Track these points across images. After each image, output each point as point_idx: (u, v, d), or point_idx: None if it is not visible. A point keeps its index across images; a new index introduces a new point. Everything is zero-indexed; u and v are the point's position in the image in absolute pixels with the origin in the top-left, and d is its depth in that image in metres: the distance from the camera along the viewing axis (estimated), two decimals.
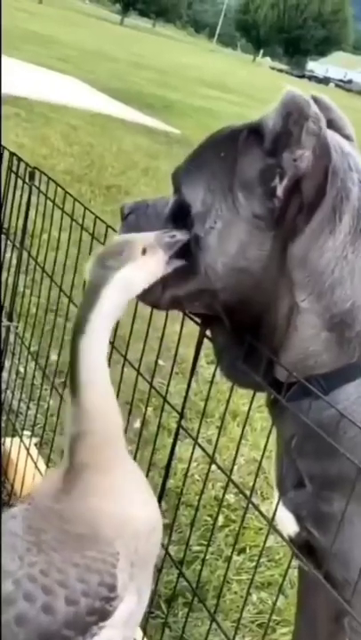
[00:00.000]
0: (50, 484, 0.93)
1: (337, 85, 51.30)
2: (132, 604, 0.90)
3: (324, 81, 52.66)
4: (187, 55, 29.66)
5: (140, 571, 0.91)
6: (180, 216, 0.96)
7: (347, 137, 1.00)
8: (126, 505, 0.90)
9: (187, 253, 0.94)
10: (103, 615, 0.87)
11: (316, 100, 1.01)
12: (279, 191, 0.88)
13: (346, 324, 0.92)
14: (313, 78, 53.08)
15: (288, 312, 0.92)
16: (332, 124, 0.98)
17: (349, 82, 56.58)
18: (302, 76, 51.44)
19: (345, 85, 52.31)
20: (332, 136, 0.91)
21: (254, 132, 0.90)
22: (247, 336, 0.97)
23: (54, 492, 0.91)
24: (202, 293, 0.96)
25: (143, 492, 0.94)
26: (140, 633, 1.44)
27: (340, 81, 56.21)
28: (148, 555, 0.93)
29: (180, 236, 0.92)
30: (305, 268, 0.90)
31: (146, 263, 0.89)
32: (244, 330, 0.97)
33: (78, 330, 0.87)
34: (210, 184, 0.93)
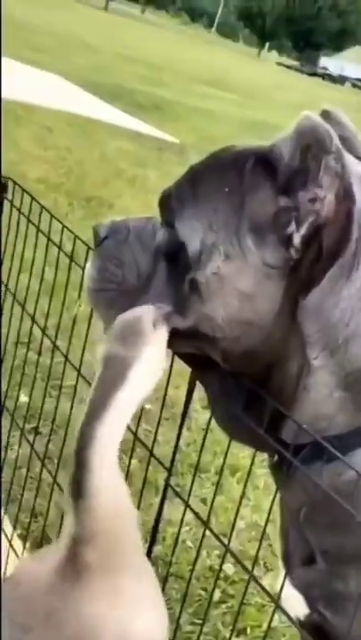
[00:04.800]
0: (40, 574, 0.93)
1: (354, 85, 52.08)
2: None
3: (340, 80, 53.50)
4: (181, 47, 30.12)
5: None
6: (174, 254, 0.96)
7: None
8: (134, 616, 0.90)
9: (178, 293, 0.95)
10: None
11: (328, 115, 1.03)
12: (296, 240, 0.89)
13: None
14: (326, 77, 53.92)
15: (298, 371, 0.93)
16: (346, 144, 1.00)
17: None
18: (314, 74, 52.29)
19: None
20: (351, 163, 0.91)
21: (263, 161, 0.91)
22: (247, 381, 0.97)
23: (48, 585, 0.91)
24: (196, 336, 0.96)
25: (153, 599, 0.94)
26: None
27: (358, 80, 57.06)
28: None
29: (167, 308, 0.95)
30: (318, 320, 0.90)
31: (159, 340, 0.92)
32: (244, 376, 0.98)
33: (93, 415, 0.89)
34: (211, 222, 0.93)
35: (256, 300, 0.91)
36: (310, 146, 0.86)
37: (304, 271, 0.90)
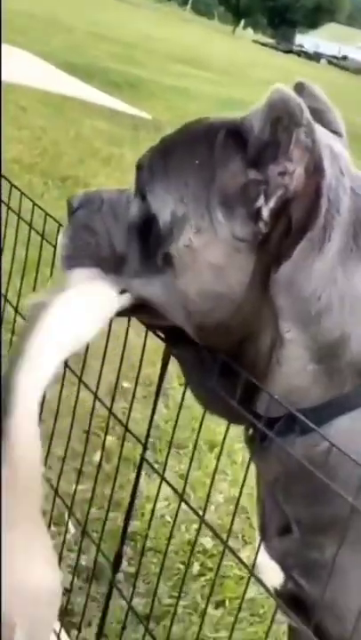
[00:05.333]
0: None
1: (330, 62, 51.98)
2: None
3: (315, 57, 53.30)
4: (155, 26, 29.84)
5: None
6: (146, 225, 0.96)
7: (335, 132, 1.01)
8: (23, 566, 0.89)
9: (151, 264, 0.94)
10: None
11: (302, 87, 1.02)
12: (265, 214, 0.89)
13: (335, 355, 0.93)
14: (302, 54, 53.69)
15: (271, 344, 0.93)
16: (319, 117, 0.99)
17: (344, 58, 57.35)
18: (290, 52, 52.00)
19: (339, 62, 53.03)
20: (321, 136, 0.91)
21: (234, 133, 0.90)
22: (221, 355, 0.97)
23: None
24: (168, 309, 0.96)
25: (47, 555, 0.94)
26: None
27: (334, 57, 56.92)
28: (46, 625, 0.93)
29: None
30: (290, 293, 0.90)
31: (83, 283, 0.93)
32: (218, 351, 0.98)
33: (12, 362, 0.89)
34: (182, 194, 0.93)
35: (227, 273, 0.91)
36: (281, 118, 0.85)
37: (274, 244, 0.89)
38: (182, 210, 0.92)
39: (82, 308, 0.92)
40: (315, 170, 0.87)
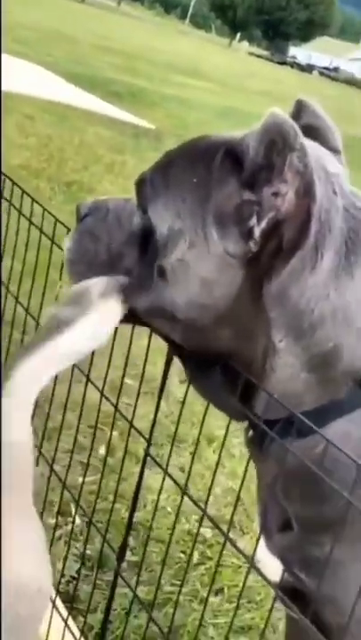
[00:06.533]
0: None
1: (321, 73, 51.92)
2: None
3: (308, 68, 53.30)
4: (156, 38, 29.84)
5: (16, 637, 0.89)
6: (145, 238, 0.96)
7: (333, 150, 1.01)
8: (9, 560, 0.88)
9: (146, 274, 0.95)
10: None
11: (302, 104, 1.02)
12: (256, 233, 0.89)
13: (328, 364, 0.93)
14: (295, 65, 53.68)
15: (264, 351, 0.93)
16: (317, 134, 0.99)
17: (335, 70, 57.31)
18: (283, 63, 52.03)
19: (330, 74, 52.98)
20: (316, 158, 0.90)
21: (232, 154, 0.90)
22: (221, 357, 0.97)
23: None
24: (157, 314, 0.97)
25: (31, 546, 0.93)
26: None
27: (326, 69, 56.85)
28: (31, 619, 0.92)
29: (123, 280, 0.96)
30: (283, 306, 0.90)
31: (103, 308, 0.94)
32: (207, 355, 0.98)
33: (20, 357, 0.91)
34: (179, 210, 0.93)
35: (217, 287, 0.92)
36: (275, 142, 0.85)
37: (265, 261, 0.90)
38: (178, 225, 0.92)
39: (91, 331, 0.94)
40: (306, 193, 0.87)
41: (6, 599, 0.86)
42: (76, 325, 0.92)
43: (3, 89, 7.84)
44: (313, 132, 0.96)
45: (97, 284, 0.94)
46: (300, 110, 1.02)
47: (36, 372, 0.92)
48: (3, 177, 1.59)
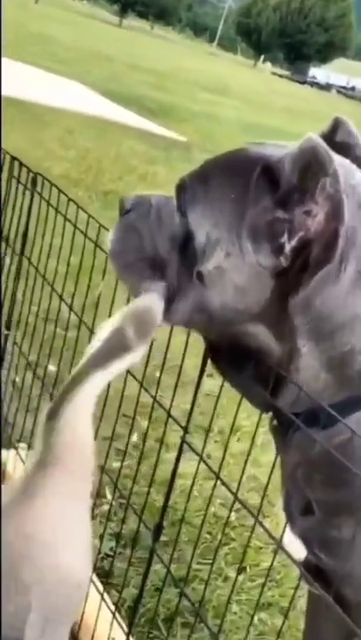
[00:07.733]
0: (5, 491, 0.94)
1: (339, 92, 51.55)
2: None
3: (326, 87, 52.96)
4: (186, 58, 29.79)
5: (53, 629, 0.89)
6: (184, 239, 0.96)
7: None
8: (63, 549, 0.89)
9: (185, 276, 0.95)
10: None
11: (338, 122, 1.02)
12: (287, 249, 0.89)
13: (345, 365, 0.94)
14: (315, 84, 53.36)
15: (289, 354, 0.94)
16: (350, 151, 0.99)
17: (352, 89, 56.90)
18: (304, 82, 51.69)
19: (348, 92, 52.60)
20: (344, 174, 0.90)
21: (268, 172, 0.90)
22: (252, 354, 0.98)
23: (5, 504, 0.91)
24: (194, 315, 0.97)
25: (82, 542, 0.93)
26: None
27: (343, 87, 56.49)
28: (67, 611, 0.92)
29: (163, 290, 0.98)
30: (307, 314, 0.91)
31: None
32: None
33: (86, 371, 0.93)
34: (218, 220, 0.93)
35: (249, 294, 0.93)
36: (310, 166, 0.85)
37: (293, 274, 0.90)
38: (216, 234, 0.93)
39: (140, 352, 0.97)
40: (334, 216, 0.88)
41: (47, 588, 0.86)
42: (140, 349, 0.95)
43: (47, 104, 7.90)
44: (346, 149, 0.96)
45: (156, 304, 0.94)
46: (336, 128, 1.02)
47: (102, 382, 0.95)
48: (51, 186, 1.60)
